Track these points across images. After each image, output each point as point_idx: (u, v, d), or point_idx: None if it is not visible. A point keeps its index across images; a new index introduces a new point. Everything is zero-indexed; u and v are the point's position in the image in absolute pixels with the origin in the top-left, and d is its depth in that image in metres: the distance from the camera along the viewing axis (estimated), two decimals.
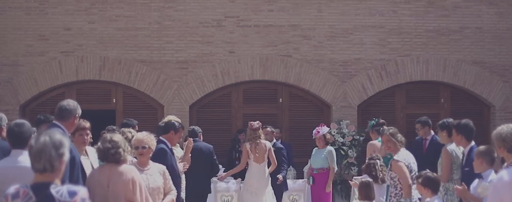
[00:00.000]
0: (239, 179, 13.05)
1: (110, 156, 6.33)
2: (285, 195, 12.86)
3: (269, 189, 11.85)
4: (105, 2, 15.91)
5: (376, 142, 11.59)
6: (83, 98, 16.03)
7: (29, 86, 15.82)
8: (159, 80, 15.99)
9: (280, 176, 12.06)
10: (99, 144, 6.48)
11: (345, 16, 16.21)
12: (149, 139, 7.44)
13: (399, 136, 8.55)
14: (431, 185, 7.67)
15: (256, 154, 11.72)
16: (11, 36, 15.76)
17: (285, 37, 16.14)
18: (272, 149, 11.95)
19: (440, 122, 9.57)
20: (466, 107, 16.40)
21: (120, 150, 6.34)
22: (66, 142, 4.06)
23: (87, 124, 7.41)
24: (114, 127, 9.88)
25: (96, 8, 15.91)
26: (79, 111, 6.57)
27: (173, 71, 15.99)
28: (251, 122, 11.93)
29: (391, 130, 8.60)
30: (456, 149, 9.14)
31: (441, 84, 16.54)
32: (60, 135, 4.09)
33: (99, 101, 16.13)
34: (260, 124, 11.92)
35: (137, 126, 10.65)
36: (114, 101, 16.23)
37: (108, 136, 6.49)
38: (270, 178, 11.89)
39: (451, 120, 9.38)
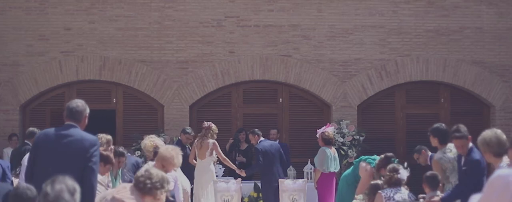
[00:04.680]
0: (239, 179, 13.08)
1: (146, 189, 6.07)
2: (285, 195, 12.88)
3: (211, 184, 12.65)
4: (105, 2, 15.92)
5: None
6: (83, 98, 15.89)
7: (29, 86, 15.82)
8: (159, 80, 16.00)
9: (242, 172, 13.22)
10: (137, 173, 6.40)
11: (345, 16, 16.21)
12: None
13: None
14: (428, 182, 8.25)
15: (201, 150, 12.63)
16: (11, 36, 15.76)
17: (285, 37, 16.15)
18: (217, 146, 12.75)
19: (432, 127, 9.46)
20: (466, 107, 16.41)
21: (157, 185, 6.12)
22: (78, 187, 4.21)
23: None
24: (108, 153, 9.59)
25: (96, 8, 15.92)
26: (88, 110, 6.81)
27: (173, 71, 16.00)
28: (204, 122, 12.89)
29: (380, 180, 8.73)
30: (444, 155, 9.06)
31: (441, 84, 16.54)
32: (72, 181, 4.22)
33: (99, 100, 16.13)
34: (209, 124, 12.76)
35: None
36: (114, 101, 16.24)
37: (148, 167, 6.40)
38: (212, 173, 12.82)
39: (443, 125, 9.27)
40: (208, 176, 12.79)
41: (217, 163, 13.45)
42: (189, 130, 13.20)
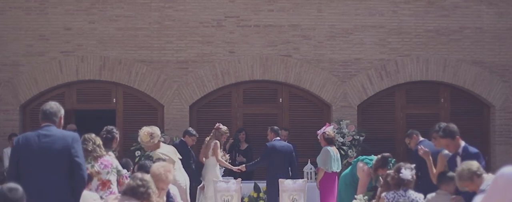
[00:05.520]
0: (239, 179, 13.10)
1: (139, 194, 6.37)
2: (285, 195, 12.88)
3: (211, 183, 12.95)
4: (105, 2, 15.92)
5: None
6: (83, 98, 16.08)
7: (29, 86, 15.83)
8: (159, 80, 16.00)
9: (243, 167, 13.55)
10: (129, 179, 6.62)
11: (345, 16, 16.21)
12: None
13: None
14: (440, 180, 8.36)
15: (205, 150, 13.09)
16: (11, 36, 15.77)
17: (285, 37, 16.15)
18: (217, 147, 13.02)
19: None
20: (466, 107, 16.41)
21: (150, 190, 6.34)
22: None
23: None
24: (113, 128, 9.59)
25: (96, 8, 15.92)
26: (63, 111, 6.89)
27: (173, 71, 16.00)
28: (216, 123, 13.25)
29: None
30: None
31: (441, 84, 16.54)
32: None
33: (99, 100, 16.15)
34: (218, 125, 13.14)
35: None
36: (114, 101, 16.24)
37: (139, 174, 6.58)
38: (215, 173, 13.08)
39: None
40: (210, 175, 12.97)
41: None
42: (193, 132, 13.25)
